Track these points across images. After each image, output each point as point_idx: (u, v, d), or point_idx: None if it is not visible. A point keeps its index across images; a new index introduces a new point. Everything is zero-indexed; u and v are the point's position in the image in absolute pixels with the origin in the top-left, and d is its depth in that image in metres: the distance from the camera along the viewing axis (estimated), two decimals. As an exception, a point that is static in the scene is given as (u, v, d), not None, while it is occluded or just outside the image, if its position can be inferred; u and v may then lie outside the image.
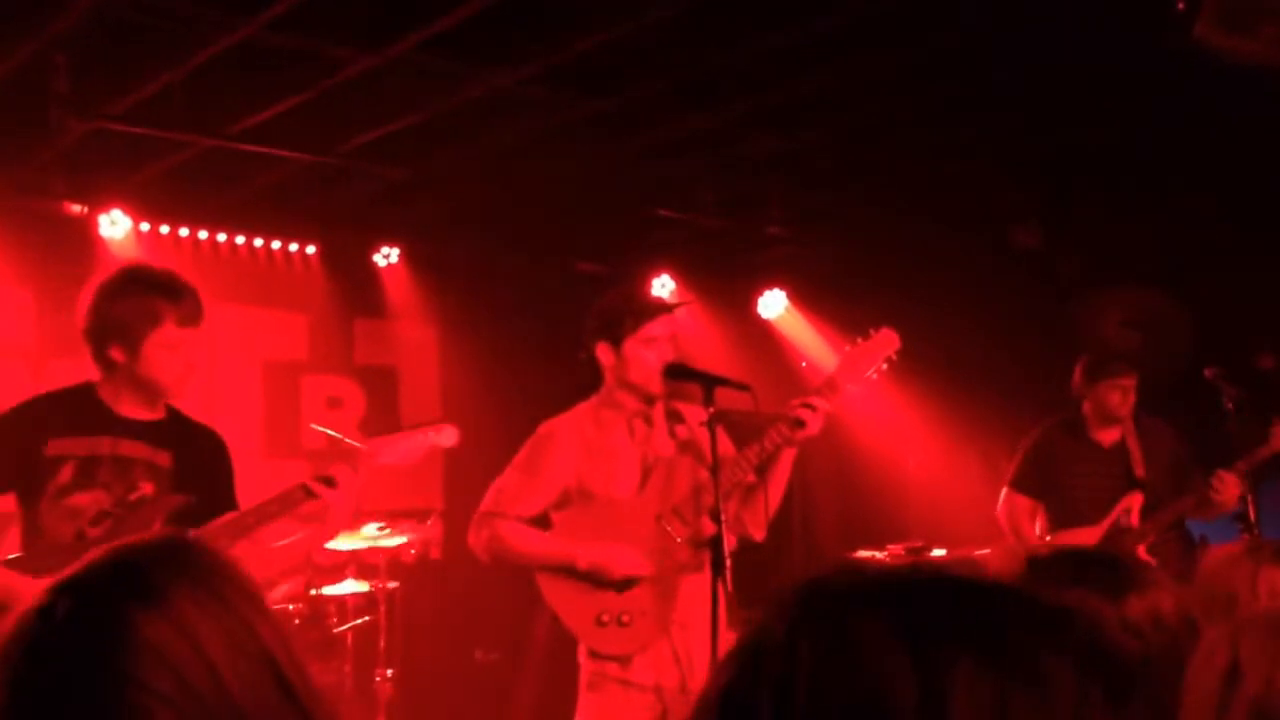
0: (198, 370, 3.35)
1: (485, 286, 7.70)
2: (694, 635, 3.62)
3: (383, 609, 6.00)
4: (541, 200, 6.90)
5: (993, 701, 0.76)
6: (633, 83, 5.32)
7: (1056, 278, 7.07)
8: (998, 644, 0.78)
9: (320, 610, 5.92)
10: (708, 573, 3.49)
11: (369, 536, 5.88)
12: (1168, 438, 5.17)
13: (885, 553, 6.82)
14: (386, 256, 7.48)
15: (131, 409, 3.33)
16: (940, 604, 0.81)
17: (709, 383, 3.59)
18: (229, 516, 3.29)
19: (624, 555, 3.60)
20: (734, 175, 6.63)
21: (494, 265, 7.70)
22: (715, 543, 3.46)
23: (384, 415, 7.38)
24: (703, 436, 3.61)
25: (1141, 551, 4.96)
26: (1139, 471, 5.08)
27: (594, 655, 3.66)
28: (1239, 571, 2.34)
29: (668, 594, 3.65)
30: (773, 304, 8.30)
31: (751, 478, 3.72)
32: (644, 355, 3.70)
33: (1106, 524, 5.04)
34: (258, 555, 3.32)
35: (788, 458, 3.72)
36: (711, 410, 3.55)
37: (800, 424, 3.61)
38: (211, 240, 6.96)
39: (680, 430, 3.80)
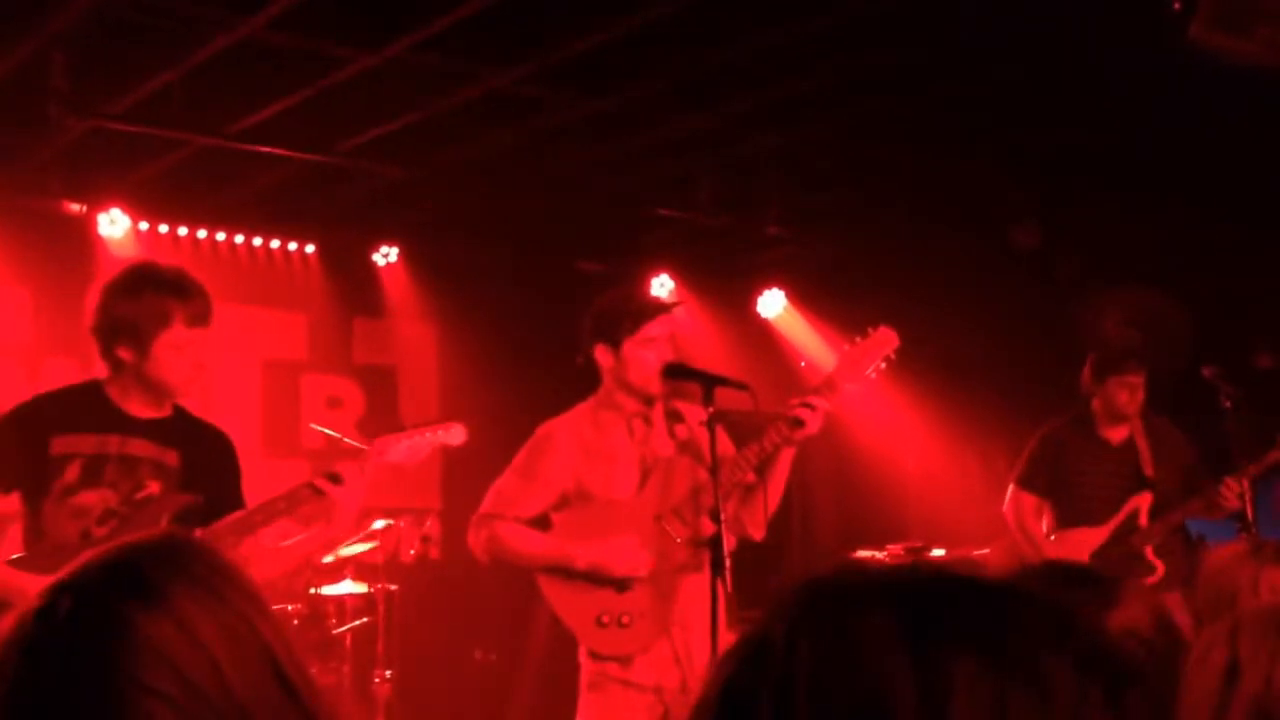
0: (206, 370, 3.34)
1: (484, 286, 7.69)
2: (694, 635, 3.62)
3: (381, 610, 6.00)
4: (541, 200, 6.90)
5: (992, 701, 0.76)
6: (632, 82, 5.32)
7: (1056, 278, 7.06)
8: (998, 644, 0.78)
9: (319, 611, 5.92)
10: (707, 573, 3.49)
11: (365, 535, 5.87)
12: (1177, 438, 5.16)
13: (885, 552, 6.81)
14: (386, 256, 7.48)
15: (139, 407, 3.31)
16: (940, 603, 0.81)
17: (708, 382, 3.59)
18: (235, 515, 3.27)
19: (622, 552, 3.60)
20: (733, 175, 6.62)
21: (493, 265, 7.69)
22: (715, 543, 3.45)
23: (383, 415, 7.37)
24: (702, 436, 3.61)
25: (1149, 552, 4.97)
26: (1148, 471, 5.07)
27: (595, 656, 3.65)
28: (1242, 570, 2.34)
29: (668, 594, 3.64)
30: (772, 303, 8.29)
31: (751, 477, 3.72)
32: (643, 356, 3.69)
33: (1114, 523, 5.03)
34: (263, 554, 3.31)
35: (787, 457, 3.72)
36: (711, 410, 3.55)
37: (799, 423, 3.60)
38: (210, 239, 6.96)
39: (680, 430, 3.79)
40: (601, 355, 3.75)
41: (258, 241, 7.13)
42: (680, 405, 3.83)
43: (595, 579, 3.61)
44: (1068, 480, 5.16)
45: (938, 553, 6.72)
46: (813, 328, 8.17)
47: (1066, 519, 5.15)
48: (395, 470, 3.41)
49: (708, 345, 7.56)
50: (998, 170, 6.44)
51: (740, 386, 3.55)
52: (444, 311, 7.72)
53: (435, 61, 5.06)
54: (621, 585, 3.61)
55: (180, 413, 3.41)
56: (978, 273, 7.33)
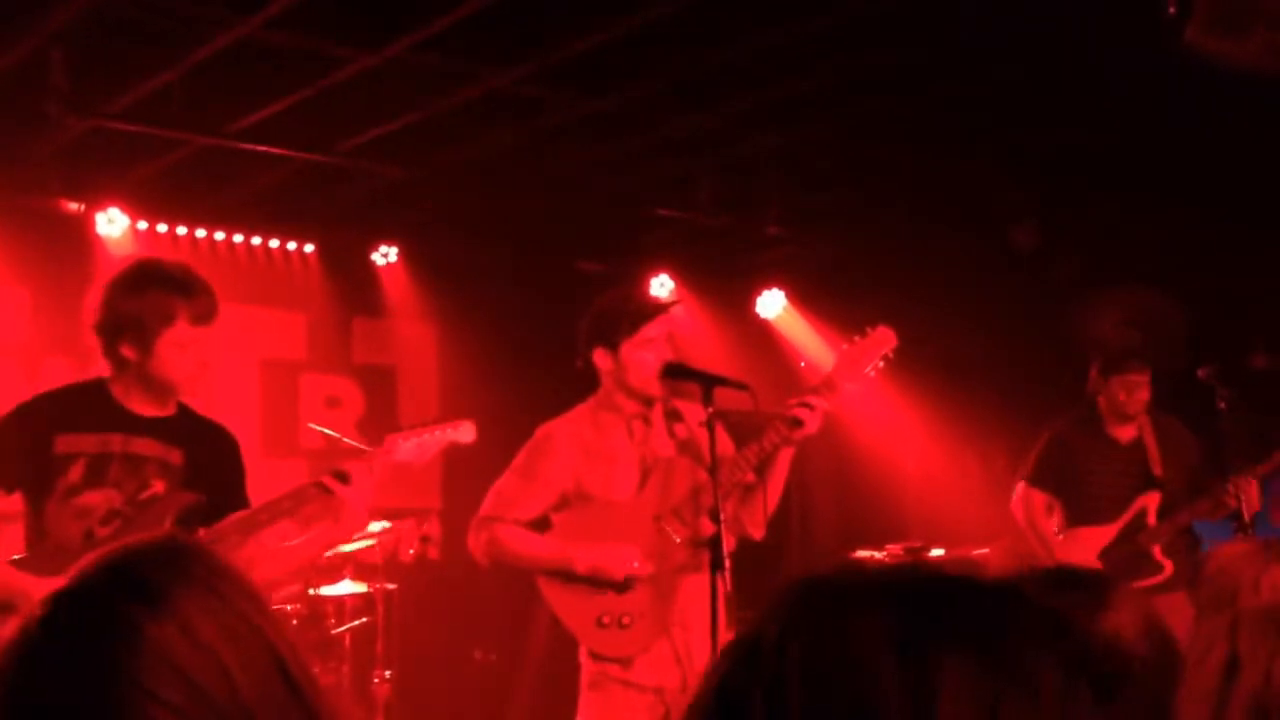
0: (211, 368, 3.30)
1: (484, 286, 7.69)
2: (695, 635, 3.62)
3: (381, 610, 5.99)
4: (541, 200, 6.90)
5: (982, 701, 0.76)
6: (632, 82, 5.32)
7: (1055, 278, 7.06)
8: (987, 644, 0.79)
9: (318, 611, 5.90)
10: (707, 573, 3.49)
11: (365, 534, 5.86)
12: (1186, 437, 5.16)
13: (884, 552, 6.81)
14: (385, 256, 7.47)
15: (143, 406, 3.27)
16: (932, 604, 0.81)
17: (708, 382, 3.59)
18: (240, 514, 3.24)
19: (622, 555, 3.60)
20: (733, 175, 6.62)
21: (493, 265, 7.69)
22: (714, 543, 3.45)
23: (382, 415, 7.37)
24: (702, 436, 3.60)
25: (1156, 551, 4.97)
26: (1156, 470, 5.07)
27: (595, 657, 3.65)
28: (1247, 567, 2.34)
29: (668, 595, 3.64)
30: (771, 303, 8.30)
31: (750, 477, 3.72)
32: (642, 357, 3.69)
33: (1122, 522, 5.04)
34: (268, 553, 3.27)
35: (786, 457, 3.72)
36: (710, 410, 3.54)
37: (798, 423, 3.60)
38: (209, 239, 6.96)
39: (679, 429, 3.79)
40: (600, 358, 3.74)
41: (257, 241, 7.13)
42: (680, 405, 3.83)
43: (595, 581, 3.61)
44: (1076, 479, 5.17)
45: (937, 553, 6.72)
46: (812, 328, 8.17)
47: (1075, 517, 5.16)
48: (402, 469, 3.37)
49: (707, 345, 7.56)
50: (998, 170, 6.43)
51: (740, 386, 3.55)
52: (444, 311, 7.72)
53: (435, 61, 5.06)
54: (621, 586, 3.61)
55: (185, 411, 3.38)
56: (977, 273, 7.33)
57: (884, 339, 3.81)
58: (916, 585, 0.83)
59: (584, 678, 3.69)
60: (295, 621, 5.73)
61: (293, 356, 7.41)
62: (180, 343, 3.20)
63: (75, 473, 3.17)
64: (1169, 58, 4.02)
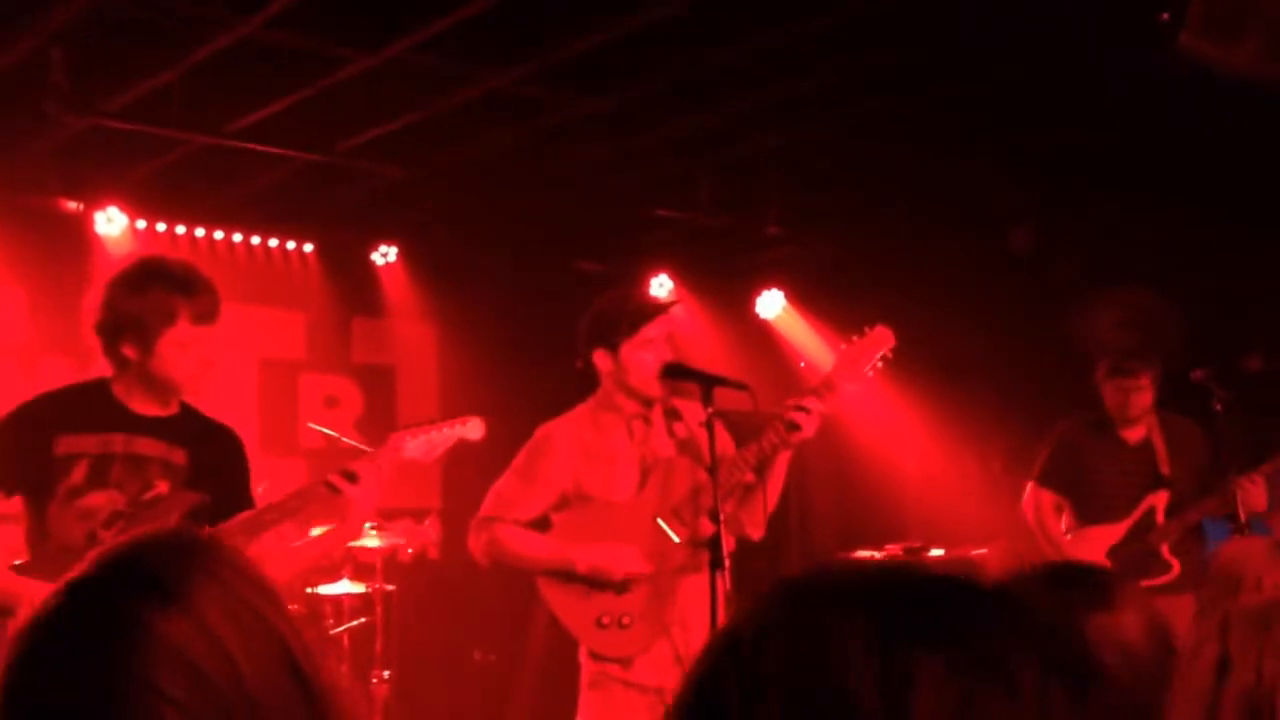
0: (214, 366, 3.26)
1: (483, 286, 7.69)
2: (695, 635, 3.62)
3: (379, 610, 5.98)
4: (540, 199, 6.90)
5: (957, 700, 0.76)
6: (632, 82, 5.32)
7: (1054, 278, 7.06)
8: (963, 643, 0.79)
9: (316, 611, 5.90)
10: (707, 573, 3.49)
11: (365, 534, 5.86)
12: (1195, 437, 5.17)
13: (883, 552, 6.81)
14: (384, 255, 7.47)
15: (145, 405, 3.23)
16: (909, 604, 0.81)
17: (707, 382, 3.59)
18: (246, 514, 3.21)
19: (622, 555, 3.60)
20: (733, 175, 6.62)
21: (492, 264, 7.69)
22: (714, 542, 3.45)
23: (381, 415, 7.37)
24: (701, 436, 3.60)
25: (1165, 550, 4.98)
26: (1165, 470, 5.08)
27: (595, 657, 3.65)
28: (1253, 564, 2.34)
29: (667, 595, 3.64)
30: (771, 304, 8.30)
31: (750, 478, 3.72)
32: (642, 358, 3.69)
33: (1130, 521, 5.05)
34: (274, 554, 3.24)
35: (783, 459, 3.72)
36: (710, 409, 3.54)
37: (795, 427, 3.60)
38: (208, 238, 6.95)
39: (679, 429, 3.79)
40: (600, 359, 3.74)
41: (256, 240, 7.12)
42: (680, 405, 3.83)
43: (595, 581, 3.61)
44: (1085, 479, 5.18)
45: (936, 553, 6.72)
46: (812, 328, 8.18)
47: (1084, 517, 5.17)
48: (410, 466, 3.34)
49: (707, 345, 7.56)
50: (997, 171, 6.44)
51: (739, 386, 3.55)
52: (443, 311, 7.72)
53: (435, 62, 5.05)
54: (621, 587, 3.61)
55: (188, 410, 3.34)
56: (977, 273, 7.34)
57: (882, 338, 3.81)
58: (894, 585, 0.84)
59: (584, 677, 3.69)
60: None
61: (292, 356, 7.41)
62: (182, 342, 3.16)
63: (77, 474, 3.13)
64: (1168, 58, 4.03)
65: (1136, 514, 5.05)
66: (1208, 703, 1.42)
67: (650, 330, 3.70)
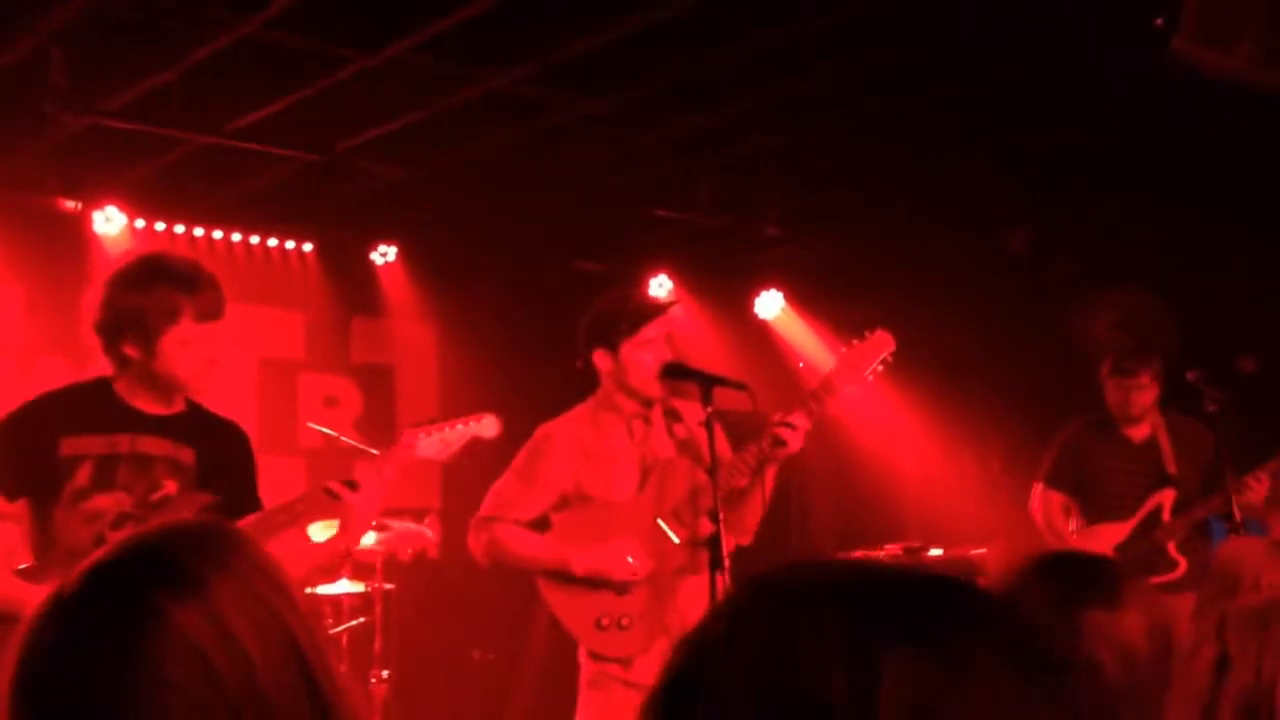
0: (219, 364, 3.20)
1: (483, 285, 7.69)
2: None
3: (378, 609, 5.98)
4: (540, 199, 6.90)
5: (923, 695, 0.77)
6: (632, 82, 5.32)
7: (1053, 279, 7.07)
8: (929, 636, 0.79)
9: (315, 610, 5.90)
10: (706, 573, 3.49)
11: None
12: (1200, 435, 5.18)
13: (882, 552, 6.81)
14: (384, 255, 7.47)
15: (149, 404, 3.16)
16: (877, 600, 0.82)
17: (707, 382, 3.59)
18: (256, 516, 3.16)
19: (621, 556, 3.60)
20: (732, 175, 6.62)
21: (492, 264, 7.69)
22: (714, 543, 3.45)
23: (381, 414, 7.37)
24: (701, 436, 3.61)
25: (1171, 548, 4.99)
26: (1170, 468, 5.10)
27: (595, 657, 3.65)
28: (1252, 563, 2.34)
29: (666, 596, 3.64)
30: (770, 304, 8.30)
31: (744, 482, 3.72)
32: (642, 358, 3.69)
33: (1137, 519, 5.06)
34: (282, 556, 3.22)
35: (770, 472, 3.72)
36: (709, 409, 3.55)
37: (780, 443, 3.61)
38: (208, 238, 6.94)
39: (679, 429, 3.79)
40: (600, 360, 3.75)
41: (255, 240, 7.12)
42: (679, 405, 3.83)
43: (594, 582, 3.61)
44: (1092, 479, 5.21)
45: (935, 553, 6.72)
46: (811, 328, 8.18)
47: (1092, 516, 5.19)
48: (424, 465, 3.29)
49: (706, 346, 7.55)
50: (997, 171, 6.44)
51: (739, 386, 3.56)
52: (443, 311, 7.71)
53: (434, 62, 5.05)
54: (621, 588, 3.61)
55: (194, 408, 3.27)
56: (976, 274, 7.34)
57: (882, 343, 3.81)
58: (863, 582, 0.84)
59: (584, 677, 3.69)
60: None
61: (291, 356, 7.40)
62: (185, 340, 3.08)
63: (82, 476, 3.06)
64: (1166, 59, 4.03)
65: (1142, 512, 5.07)
66: (1206, 702, 1.42)
67: (650, 330, 3.70)
